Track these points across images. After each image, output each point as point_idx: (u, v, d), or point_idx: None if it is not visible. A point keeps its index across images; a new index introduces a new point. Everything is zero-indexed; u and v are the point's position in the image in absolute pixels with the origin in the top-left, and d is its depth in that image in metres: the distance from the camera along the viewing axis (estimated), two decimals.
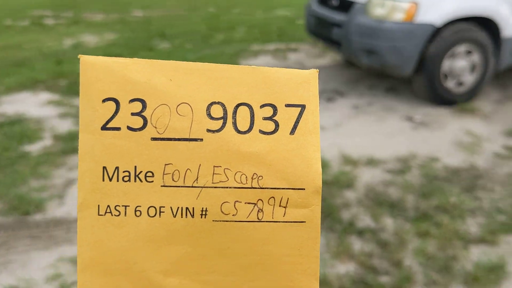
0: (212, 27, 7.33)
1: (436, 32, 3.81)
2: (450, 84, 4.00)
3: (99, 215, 0.48)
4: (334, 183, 2.81)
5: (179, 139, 0.48)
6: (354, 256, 2.19)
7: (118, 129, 0.48)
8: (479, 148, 3.34)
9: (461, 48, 3.91)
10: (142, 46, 6.08)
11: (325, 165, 3.02)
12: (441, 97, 4.01)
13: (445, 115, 3.92)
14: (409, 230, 2.39)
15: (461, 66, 3.96)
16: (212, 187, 0.48)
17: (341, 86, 4.57)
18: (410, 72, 3.88)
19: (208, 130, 0.48)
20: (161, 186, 0.48)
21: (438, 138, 3.48)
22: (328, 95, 4.32)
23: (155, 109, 0.48)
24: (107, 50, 5.76)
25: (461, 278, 2.07)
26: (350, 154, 3.19)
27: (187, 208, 0.48)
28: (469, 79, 4.05)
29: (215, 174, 0.48)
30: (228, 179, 0.48)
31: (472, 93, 4.11)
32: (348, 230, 2.38)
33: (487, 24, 3.98)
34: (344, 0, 4.20)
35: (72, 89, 4.39)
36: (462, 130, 3.63)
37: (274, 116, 0.49)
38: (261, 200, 0.49)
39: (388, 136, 3.51)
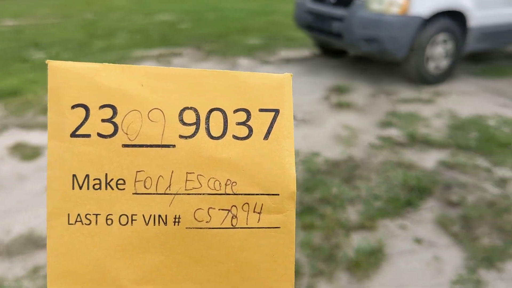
0: (90, 34, 7.02)
1: (424, 23, 4.55)
2: (431, 67, 4.79)
3: (69, 224, 0.47)
4: None
5: (151, 146, 0.47)
6: None
7: (88, 136, 0.47)
8: (355, 140, 3.56)
9: (440, 37, 4.71)
10: (15, 57, 5.65)
11: None
12: (424, 78, 4.79)
13: (324, 111, 4.13)
14: (295, 224, 2.47)
15: (439, 52, 4.75)
16: (185, 194, 0.48)
17: None
18: (403, 57, 4.62)
19: (181, 136, 0.48)
20: (133, 193, 0.48)
21: (318, 134, 3.65)
22: None
23: (126, 115, 0.47)
24: None
25: (344, 265, 2.19)
26: None
27: (159, 216, 0.48)
28: (444, 63, 4.87)
29: (188, 180, 0.48)
30: (201, 186, 0.48)
31: (446, 75, 4.95)
32: None
33: (457, 17, 4.79)
34: None
35: None
36: (340, 124, 3.84)
37: (247, 121, 0.49)
38: (235, 206, 0.48)
39: None
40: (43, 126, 3.64)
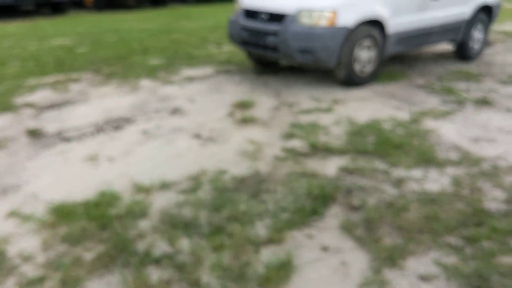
0: None
1: (349, 32, 5.03)
2: (358, 71, 5.29)
3: None
4: (127, 215, 2.73)
5: None
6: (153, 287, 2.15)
7: None
8: (261, 154, 3.61)
9: (365, 43, 5.22)
10: None
11: (115, 197, 2.92)
12: (353, 81, 5.30)
13: (229, 128, 4.15)
14: (204, 246, 2.45)
15: (364, 57, 5.26)
16: None
17: (129, 113, 4.50)
18: (334, 65, 5.10)
19: None
20: None
21: (225, 151, 3.67)
22: (115, 123, 4.21)
23: None
24: None
25: (255, 282, 2.19)
26: (142, 181, 3.14)
27: None
28: (369, 66, 5.39)
29: None
30: None
31: (372, 76, 5.49)
32: (145, 261, 2.33)
33: (377, 25, 5.33)
34: (273, 14, 5.20)
35: None
36: (245, 139, 3.89)
37: None
38: None
39: (178, 156, 3.57)
40: None
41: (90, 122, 4.25)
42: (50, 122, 4.26)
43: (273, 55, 5.37)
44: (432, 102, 4.96)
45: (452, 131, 4.15)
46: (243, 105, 4.71)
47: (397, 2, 5.49)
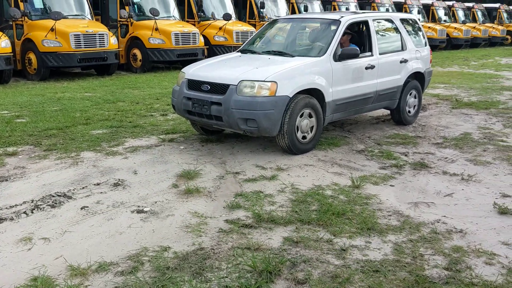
0: None
1: (290, 100, 5.21)
2: (300, 138, 5.42)
3: None
4: None
5: None
6: None
7: None
8: (205, 227, 3.55)
9: (306, 111, 5.40)
10: None
11: (49, 284, 2.74)
12: (296, 148, 5.39)
13: (173, 200, 4.08)
14: None
15: (305, 124, 5.42)
16: None
17: (69, 187, 4.35)
18: (277, 132, 5.22)
19: None
20: None
21: (168, 226, 3.58)
22: (52, 200, 4.03)
23: None
24: None
25: None
26: (78, 264, 2.98)
27: None
28: (310, 134, 5.56)
29: None
30: None
31: (313, 144, 5.63)
32: None
33: (317, 94, 5.55)
34: (216, 84, 5.33)
35: None
36: (189, 212, 3.82)
37: None
38: None
39: (118, 234, 3.44)
40: None
41: (26, 199, 4.05)
42: None
43: (217, 124, 5.45)
44: (372, 166, 5.11)
45: (392, 196, 4.27)
46: (188, 176, 4.67)
47: (335, 72, 5.73)
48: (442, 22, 24.90)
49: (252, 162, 5.17)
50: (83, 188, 4.34)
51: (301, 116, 5.38)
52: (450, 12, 26.41)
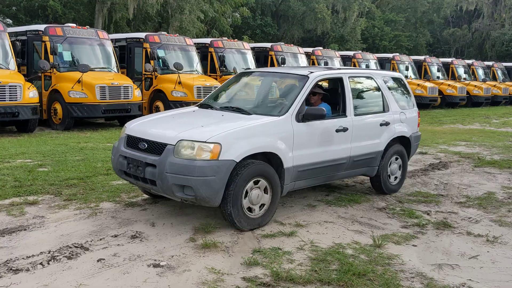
0: None
1: (237, 166, 4.48)
2: (248, 210, 4.65)
3: None
4: None
5: None
6: None
7: None
8: (221, 284, 3.46)
9: (255, 180, 4.64)
10: None
11: None
12: (242, 223, 4.59)
13: (189, 255, 4.02)
14: None
15: (255, 195, 4.67)
16: None
17: (86, 238, 4.33)
18: (220, 202, 4.45)
19: None
20: None
21: (184, 281, 3.50)
22: (69, 251, 4.01)
23: None
24: None
25: None
26: None
27: None
28: (263, 207, 4.77)
29: None
30: None
31: (267, 216, 4.82)
32: None
33: (273, 158, 4.85)
34: (153, 143, 4.66)
35: None
36: (206, 268, 3.75)
37: None
38: None
39: None
40: None
41: (43, 250, 4.04)
42: None
43: (152, 189, 4.76)
44: (394, 225, 4.99)
45: (415, 256, 4.14)
46: (206, 229, 4.62)
47: (297, 134, 5.01)
48: (462, 80, 24.85)
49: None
50: (100, 239, 4.32)
51: (251, 186, 4.61)
52: (470, 70, 26.47)
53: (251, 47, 17.72)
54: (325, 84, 6.55)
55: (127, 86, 12.25)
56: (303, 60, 18.68)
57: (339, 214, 5.33)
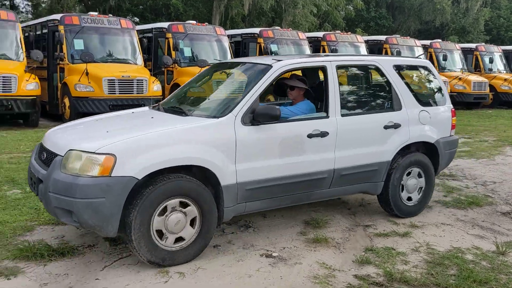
0: None
1: (140, 184, 3.46)
2: (168, 242, 3.59)
3: None
4: None
5: None
6: None
7: None
8: (333, 280, 3.46)
9: (174, 203, 3.57)
10: None
11: None
12: (162, 257, 3.56)
13: (301, 248, 4.07)
14: None
15: (174, 221, 3.56)
16: None
17: None
18: (115, 231, 3.42)
19: None
20: None
21: (296, 274, 3.56)
22: None
23: None
24: None
25: None
26: None
27: None
28: (189, 232, 3.67)
29: None
30: None
31: (197, 249, 3.72)
32: None
33: (205, 173, 3.74)
34: (50, 153, 3.77)
35: None
36: (317, 262, 3.77)
37: None
38: None
39: (247, 276, 3.50)
40: None
41: None
42: None
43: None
44: None
45: None
46: (315, 224, 4.63)
47: (242, 140, 3.85)
48: None
49: (384, 215, 4.96)
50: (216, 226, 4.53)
51: (165, 210, 3.56)
52: None
53: (364, 40, 17.32)
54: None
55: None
56: (419, 53, 17.81)
57: (458, 216, 5.03)
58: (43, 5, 27.03)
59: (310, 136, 4.18)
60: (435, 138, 5.01)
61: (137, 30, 12.74)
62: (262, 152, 3.97)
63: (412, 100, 4.92)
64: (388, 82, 4.85)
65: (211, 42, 13.56)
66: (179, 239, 3.64)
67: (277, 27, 15.75)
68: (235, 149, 3.81)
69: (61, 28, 11.42)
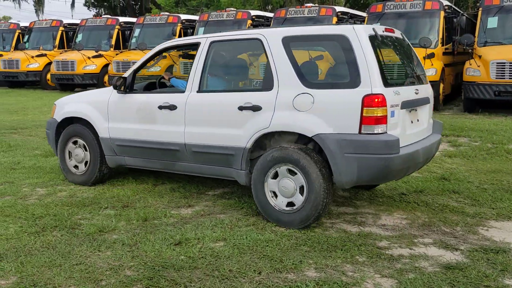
0: None
1: (59, 126, 5.62)
2: (76, 168, 5.64)
3: None
4: None
5: None
6: None
7: None
8: None
9: (70, 142, 5.54)
10: None
11: None
12: (69, 177, 5.76)
13: None
14: None
15: (75, 153, 5.55)
16: None
17: None
18: (56, 153, 5.91)
19: None
20: None
21: None
22: None
23: None
24: None
25: None
26: None
27: None
28: (82, 168, 5.59)
29: None
30: None
31: (85, 177, 5.53)
32: None
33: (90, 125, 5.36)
34: None
35: None
36: None
37: None
38: None
39: None
40: None
41: None
42: None
43: None
44: None
45: None
46: None
47: (111, 104, 5.20)
48: None
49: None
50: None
51: (74, 143, 5.50)
52: None
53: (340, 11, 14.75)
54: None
55: None
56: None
57: None
58: None
59: (160, 107, 4.73)
60: (316, 132, 3.90)
61: None
62: (124, 116, 5.10)
63: (293, 80, 4.07)
64: (267, 58, 4.25)
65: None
66: (76, 167, 5.61)
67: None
68: (107, 110, 5.20)
69: None
